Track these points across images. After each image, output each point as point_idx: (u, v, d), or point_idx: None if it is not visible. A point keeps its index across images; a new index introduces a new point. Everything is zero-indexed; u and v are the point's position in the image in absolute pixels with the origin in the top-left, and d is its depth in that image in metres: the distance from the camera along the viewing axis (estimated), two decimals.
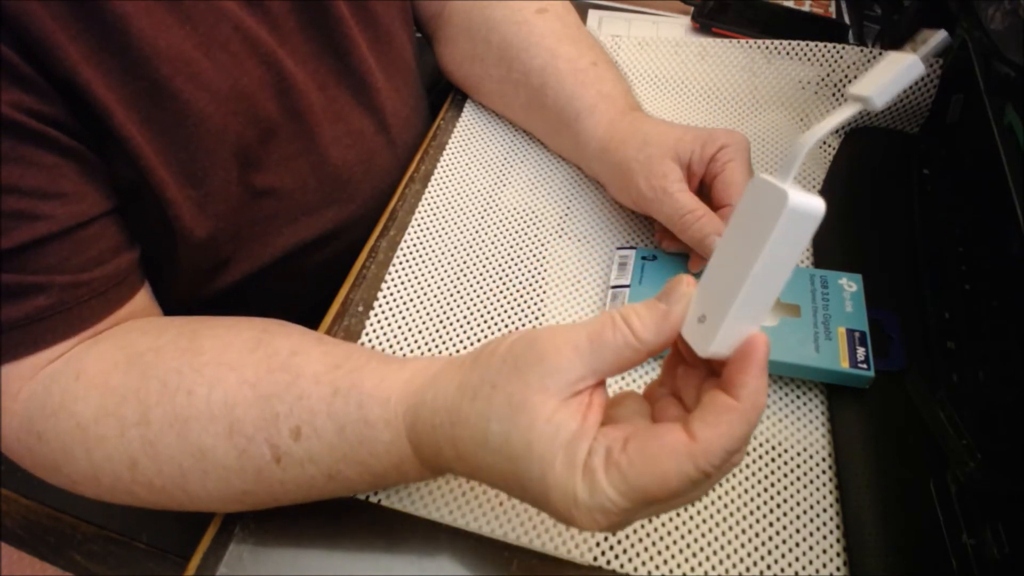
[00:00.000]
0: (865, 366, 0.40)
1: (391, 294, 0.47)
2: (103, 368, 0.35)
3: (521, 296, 0.47)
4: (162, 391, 0.34)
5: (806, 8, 0.71)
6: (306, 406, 0.33)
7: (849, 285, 0.44)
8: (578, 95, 0.50)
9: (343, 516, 0.37)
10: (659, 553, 0.36)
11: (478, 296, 0.47)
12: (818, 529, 0.37)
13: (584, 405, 0.27)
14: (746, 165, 0.44)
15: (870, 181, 0.54)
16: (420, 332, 0.45)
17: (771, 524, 0.37)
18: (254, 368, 0.34)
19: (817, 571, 0.36)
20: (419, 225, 0.50)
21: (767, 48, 0.61)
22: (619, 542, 0.36)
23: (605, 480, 0.25)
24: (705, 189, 0.45)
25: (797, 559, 0.36)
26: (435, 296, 0.47)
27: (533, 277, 0.48)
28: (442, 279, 0.48)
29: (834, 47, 0.58)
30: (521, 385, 0.27)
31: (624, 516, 0.26)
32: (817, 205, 0.24)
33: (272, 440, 0.33)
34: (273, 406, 0.33)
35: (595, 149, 0.49)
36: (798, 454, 0.40)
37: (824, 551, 0.36)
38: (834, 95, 0.58)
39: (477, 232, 0.50)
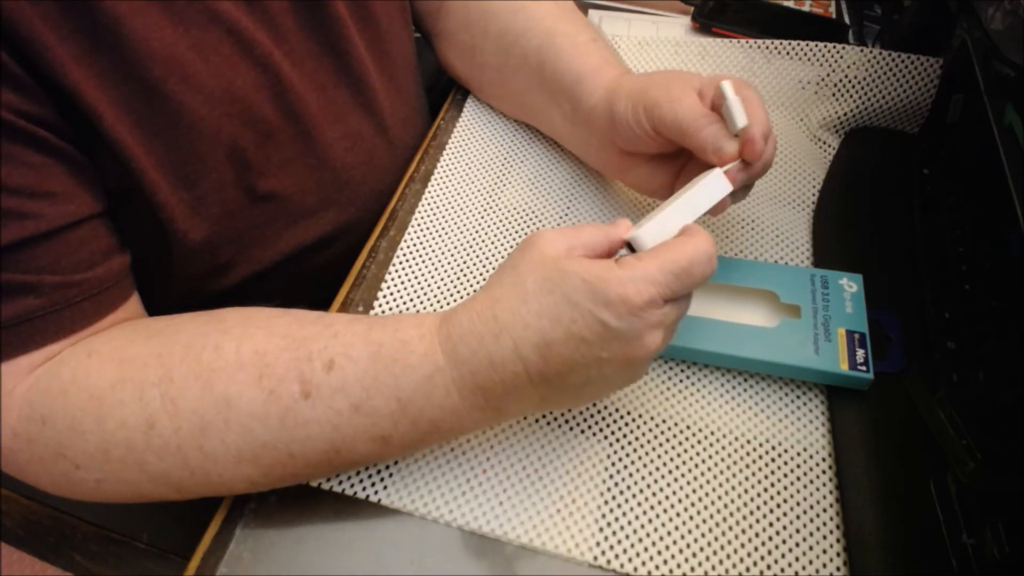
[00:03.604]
0: (864, 368, 0.40)
1: (391, 294, 0.47)
2: (118, 344, 0.36)
3: None
4: (186, 351, 0.35)
5: (806, 8, 0.71)
6: (342, 341, 0.34)
7: (849, 285, 0.44)
8: (580, 62, 0.50)
9: (343, 516, 0.37)
10: (659, 553, 0.36)
11: None
12: (818, 529, 0.37)
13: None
14: (762, 107, 0.43)
15: (870, 181, 0.54)
16: None
17: (771, 524, 0.37)
18: (284, 326, 0.35)
19: (817, 571, 0.36)
20: (419, 225, 0.50)
21: (767, 48, 0.61)
22: (619, 542, 0.36)
23: (635, 261, 0.32)
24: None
25: (797, 559, 0.36)
26: (435, 296, 0.47)
27: None
28: (442, 279, 0.48)
29: (834, 47, 0.58)
30: (536, 249, 0.33)
31: (667, 287, 0.31)
32: (727, 187, 0.38)
33: (304, 375, 0.33)
34: (307, 346, 0.34)
35: (598, 99, 0.48)
36: (798, 454, 0.40)
37: (824, 551, 0.36)
38: (834, 95, 0.58)
39: (477, 232, 0.50)
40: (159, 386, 0.34)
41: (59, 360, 0.36)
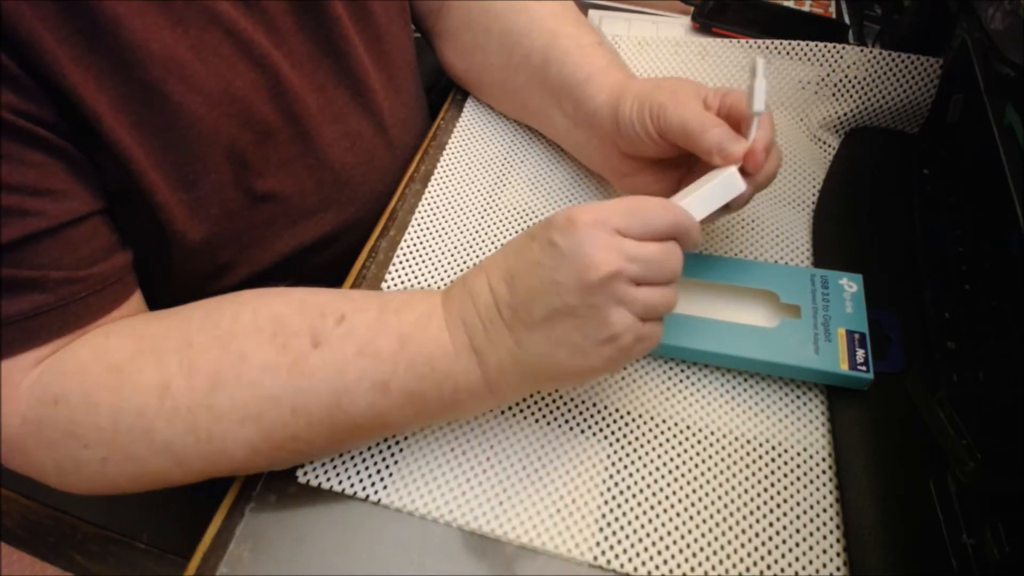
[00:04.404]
0: (864, 368, 0.40)
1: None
2: (136, 326, 0.37)
3: None
4: (205, 319, 0.37)
5: (806, 8, 0.71)
6: (354, 300, 0.37)
7: (850, 285, 0.44)
8: (586, 63, 0.50)
9: (343, 515, 0.37)
10: (659, 553, 0.36)
11: None
12: (818, 529, 0.37)
13: None
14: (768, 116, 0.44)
15: (870, 181, 0.54)
16: None
17: (771, 524, 0.37)
18: (299, 295, 0.38)
19: (817, 571, 0.36)
20: (419, 225, 0.50)
21: (767, 48, 0.61)
22: (619, 542, 0.36)
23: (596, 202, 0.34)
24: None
25: (797, 559, 0.36)
26: None
27: None
28: (442, 279, 0.48)
29: (834, 47, 0.58)
30: (547, 221, 0.35)
31: (615, 215, 0.33)
32: (742, 184, 0.39)
33: (316, 329, 0.36)
34: (322, 308, 0.37)
35: (603, 101, 0.48)
36: (798, 454, 0.40)
37: (824, 551, 0.36)
38: (834, 95, 0.58)
39: (477, 232, 0.50)
40: (178, 352, 0.36)
41: (78, 343, 0.36)
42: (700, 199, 0.37)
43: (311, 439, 0.36)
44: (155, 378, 0.35)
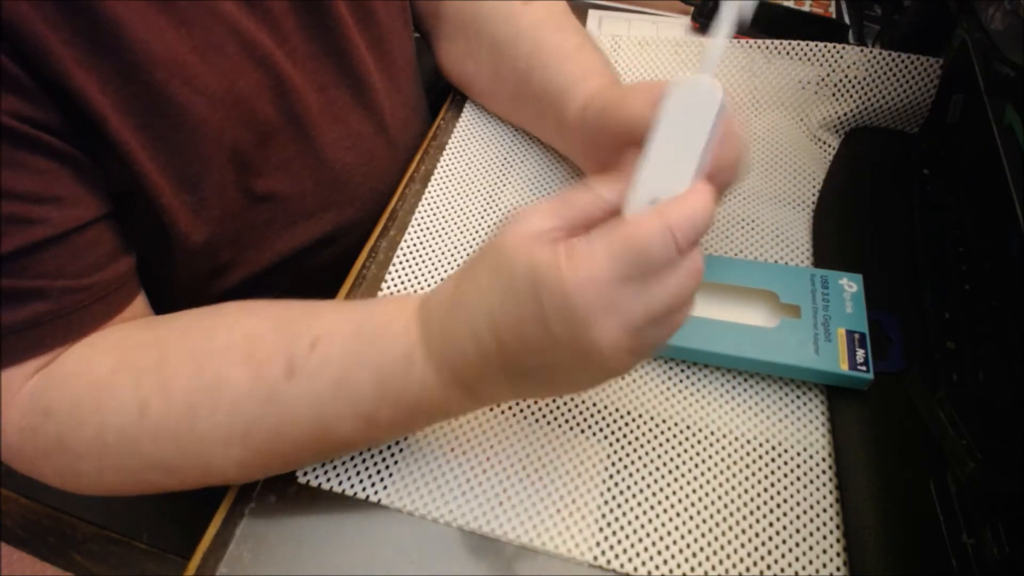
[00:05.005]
0: (864, 368, 0.40)
1: (391, 294, 0.46)
2: (120, 335, 0.37)
3: None
4: (183, 335, 0.36)
5: (806, 8, 0.71)
6: (325, 320, 0.35)
7: (850, 285, 0.44)
8: (564, 72, 0.49)
9: (343, 516, 0.37)
10: (659, 553, 0.36)
11: None
12: (818, 529, 0.37)
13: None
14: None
15: (870, 181, 0.54)
16: None
17: (771, 524, 0.37)
18: (275, 309, 0.37)
19: (817, 571, 0.36)
20: (419, 225, 0.50)
21: (767, 48, 0.61)
22: (619, 542, 0.36)
23: (583, 248, 0.28)
24: None
25: (797, 559, 0.36)
26: None
27: None
28: (442, 279, 0.47)
29: (834, 47, 0.58)
30: (498, 236, 0.31)
31: (612, 288, 0.28)
32: (708, 84, 0.29)
33: (290, 353, 0.34)
34: (292, 328, 0.35)
35: (576, 111, 0.47)
36: (798, 454, 0.40)
37: (824, 551, 0.36)
38: (834, 95, 0.58)
39: (477, 232, 0.50)
40: (154, 371, 0.35)
41: (67, 352, 0.36)
42: (676, 148, 0.29)
43: (300, 456, 0.36)
44: (132, 397, 0.34)
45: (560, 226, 0.30)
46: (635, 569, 0.36)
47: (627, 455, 0.40)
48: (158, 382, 0.34)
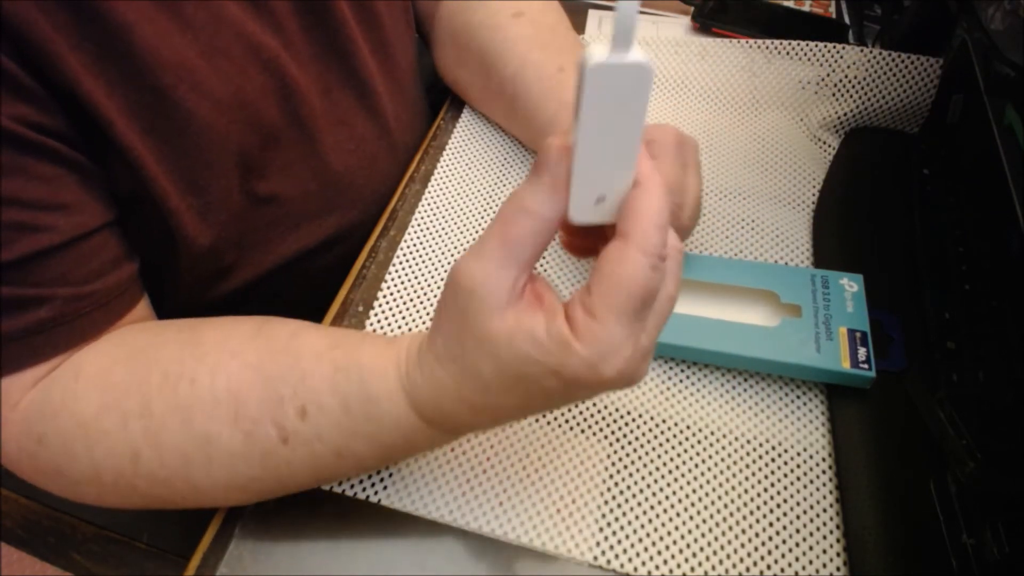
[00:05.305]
0: (866, 366, 0.40)
1: (391, 294, 0.47)
2: (103, 366, 0.36)
3: None
4: (163, 382, 0.34)
5: (806, 8, 0.71)
6: (310, 386, 0.33)
7: (850, 285, 0.44)
8: (541, 107, 0.50)
9: (343, 516, 0.37)
10: (659, 553, 0.36)
11: None
12: (818, 529, 0.37)
13: (534, 295, 0.28)
14: (671, 159, 0.42)
15: (870, 181, 0.54)
16: (420, 332, 0.45)
17: (771, 524, 0.37)
18: (256, 352, 0.35)
19: (817, 571, 0.36)
20: (419, 225, 0.50)
21: (767, 48, 0.61)
22: (619, 542, 0.36)
23: (593, 324, 0.26)
24: None
25: (797, 559, 0.36)
26: (435, 296, 0.47)
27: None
28: (442, 279, 0.48)
29: (834, 47, 0.58)
30: (477, 324, 0.28)
31: (631, 340, 0.27)
32: (634, 59, 0.23)
33: (278, 421, 0.33)
34: (277, 388, 0.33)
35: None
36: (798, 454, 0.40)
37: (824, 551, 0.36)
38: (834, 95, 0.58)
39: (477, 232, 0.50)
40: (141, 419, 0.34)
41: (51, 379, 0.35)
42: (605, 140, 0.25)
43: (306, 488, 0.37)
44: (123, 443, 0.34)
45: (519, 273, 0.27)
46: (635, 569, 0.36)
47: (627, 455, 0.40)
48: (145, 428, 0.34)
